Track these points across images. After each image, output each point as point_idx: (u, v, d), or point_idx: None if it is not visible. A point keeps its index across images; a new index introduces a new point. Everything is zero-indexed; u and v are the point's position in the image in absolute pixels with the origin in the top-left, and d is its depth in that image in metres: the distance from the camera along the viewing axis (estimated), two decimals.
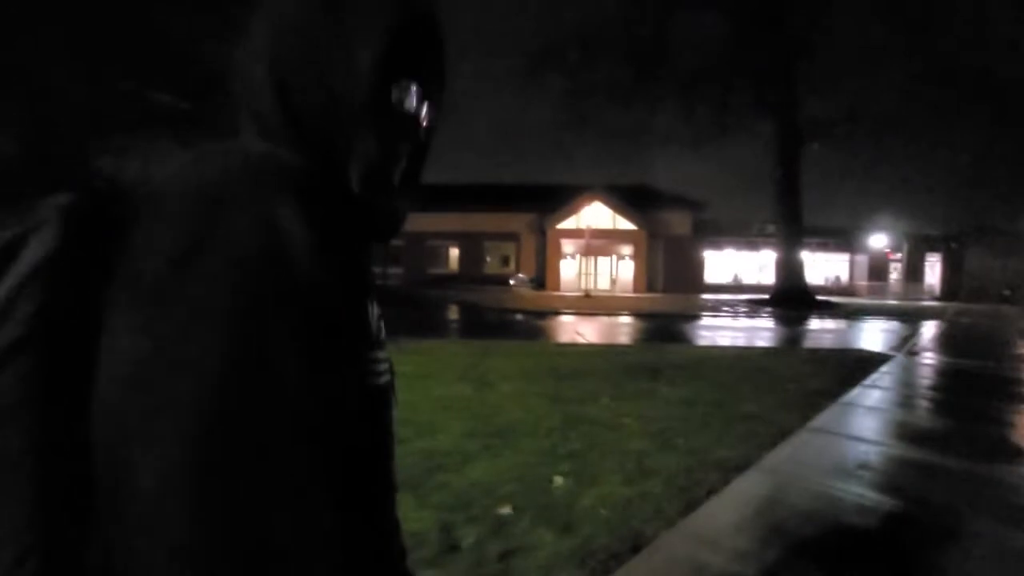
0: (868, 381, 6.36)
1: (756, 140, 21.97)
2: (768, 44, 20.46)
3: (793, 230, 21.43)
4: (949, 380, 6.73)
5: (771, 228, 33.78)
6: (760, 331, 13.00)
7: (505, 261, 33.49)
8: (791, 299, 20.71)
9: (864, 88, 20.11)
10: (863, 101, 20.10)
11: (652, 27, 21.23)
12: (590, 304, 19.35)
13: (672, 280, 30.91)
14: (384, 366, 0.54)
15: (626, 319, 15.86)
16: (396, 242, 34.09)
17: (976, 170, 24.31)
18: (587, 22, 21.81)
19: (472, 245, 32.95)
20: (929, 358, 8.61)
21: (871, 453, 3.73)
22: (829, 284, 33.21)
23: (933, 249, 33.16)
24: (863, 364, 7.48)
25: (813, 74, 20.52)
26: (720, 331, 12.81)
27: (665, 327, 13.55)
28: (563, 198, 29.61)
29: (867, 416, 4.81)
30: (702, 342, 10.55)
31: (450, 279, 32.14)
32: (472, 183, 34.11)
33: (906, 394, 5.82)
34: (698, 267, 31.79)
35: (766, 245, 31.09)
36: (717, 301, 22.89)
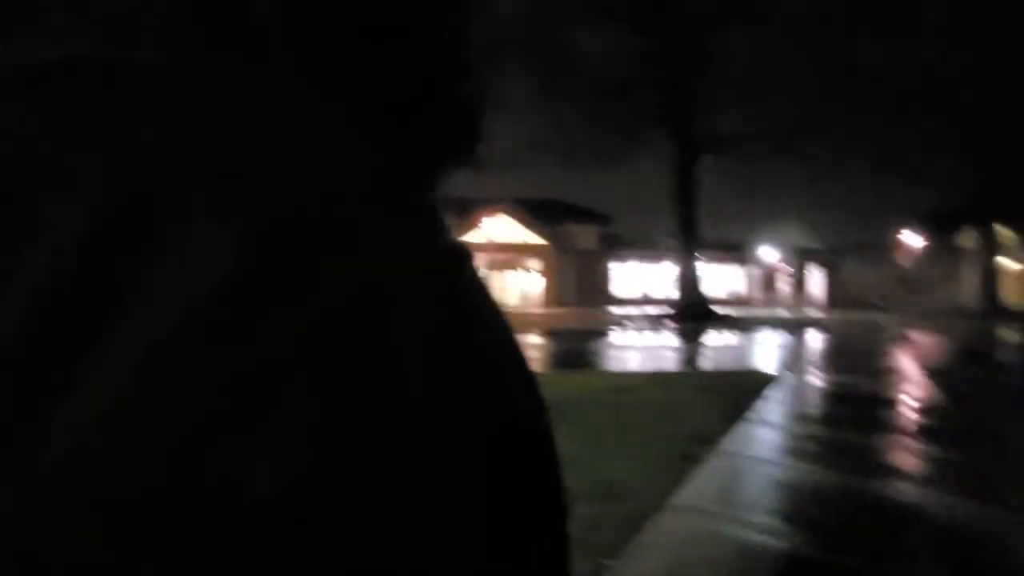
0: (754, 414, 5.54)
1: (661, 154, 22.12)
2: (667, 59, 20.68)
3: (690, 243, 21.66)
4: (835, 407, 6.12)
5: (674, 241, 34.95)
6: (655, 350, 12.41)
7: None
8: (691, 313, 20.79)
9: (756, 107, 20.82)
10: (755, 120, 20.80)
11: (554, 37, 20.79)
12: None
13: (581, 294, 30.68)
14: None
15: (531, 340, 14.80)
16: None
17: (851, 190, 26.15)
18: (487, 27, 20.86)
19: None
20: (815, 377, 8.18)
21: (748, 544, 2.68)
22: (727, 296, 34.63)
23: (817, 262, 35.62)
24: (750, 390, 6.76)
25: (709, 90, 20.96)
26: (614, 351, 12.07)
27: (555, 349, 12.62)
28: (469, 211, 28.51)
29: (750, 472, 3.85)
30: (588, 367, 9.62)
31: None
32: None
33: (793, 431, 5.03)
34: (605, 281, 31.87)
35: (671, 258, 31.89)
36: (621, 316, 22.64)
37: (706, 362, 10.31)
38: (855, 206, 28.03)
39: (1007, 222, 29.40)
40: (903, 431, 5.11)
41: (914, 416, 5.77)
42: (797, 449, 4.42)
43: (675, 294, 23.60)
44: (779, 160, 22.78)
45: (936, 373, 8.48)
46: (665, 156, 22.00)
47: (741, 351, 12.22)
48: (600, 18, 20.47)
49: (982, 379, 7.95)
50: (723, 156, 21.65)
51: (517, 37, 21.38)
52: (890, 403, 6.37)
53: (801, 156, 22.25)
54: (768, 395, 6.53)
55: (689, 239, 21.60)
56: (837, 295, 34.53)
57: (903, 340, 14.77)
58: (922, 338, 15.49)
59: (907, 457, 4.30)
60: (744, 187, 29.58)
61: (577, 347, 12.87)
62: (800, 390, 7.07)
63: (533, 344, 13.25)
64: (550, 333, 15.92)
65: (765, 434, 4.82)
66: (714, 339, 15.28)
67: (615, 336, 15.34)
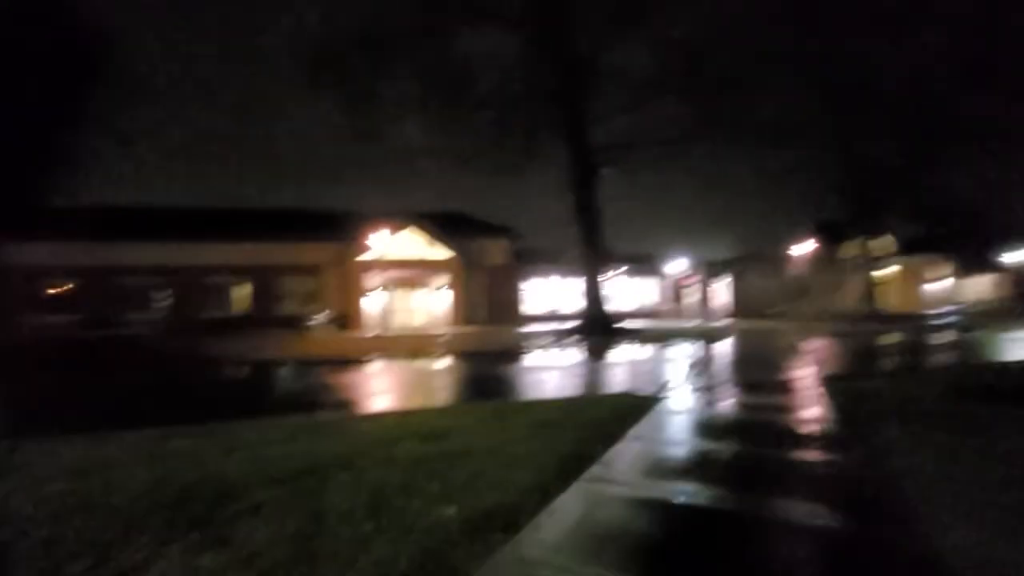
0: (596, 466, 4.30)
1: (562, 165, 21.42)
2: (554, 68, 20.12)
3: (592, 256, 21.04)
4: (710, 444, 5.05)
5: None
6: (534, 372, 11.23)
7: (308, 298, 29.11)
8: (594, 328, 20.06)
9: (646, 116, 20.67)
10: (644, 130, 20.63)
11: (438, 41, 19.65)
12: (369, 347, 16.40)
13: (492, 312, 29.43)
14: None
15: (384, 367, 13.16)
16: (150, 278, 27.75)
17: (747, 203, 26.90)
18: (369, 29, 19.37)
19: (263, 281, 28.03)
20: (699, 396, 7.23)
21: None
22: (637, 309, 34.73)
23: (721, 272, 36.71)
24: (610, 423, 5.60)
25: (599, 101, 20.61)
26: (485, 376, 10.74)
27: (416, 378, 11.12)
28: (369, 226, 26.53)
29: None
30: (433, 400, 8.21)
31: (235, 322, 26.72)
32: (264, 208, 29.38)
33: (635, 500, 3.80)
34: (517, 298, 30.86)
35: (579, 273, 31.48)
36: (525, 334, 21.53)
37: (581, 384, 9.21)
38: (754, 219, 29.00)
39: (879, 235, 31.80)
40: (785, 487, 4.06)
41: (799, 453, 4.79)
42: (627, 548, 3.14)
43: (583, 309, 22.87)
44: (670, 169, 22.89)
45: (827, 383, 7.86)
46: (564, 167, 21.36)
47: (630, 367, 11.32)
48: (487, 20, 19.60)
49: (873, 388, 7.37)
50: (617, 166, 21.32)
51: (405, 40, 20.13)
52: (772, 432, 5.40)
53: (689, 166, 22.45)
54: (631, 431, 5.39)
55: (591, 252, 20.98)
56: (741, 304, 35.71)
57: (794, 347, 14.65)
58: (812, 344, 15.53)
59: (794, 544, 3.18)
60: (653, 201, 29.64)
61: (448, 374, 11.45)
62: (673, 419, 6.02)
63: (398, 372, 11.66)
64: (433, 356, 14.42)
65: (590, 514, 3.54)
66: (609, 355, 14.42)
67: (502, 357, 14.07)
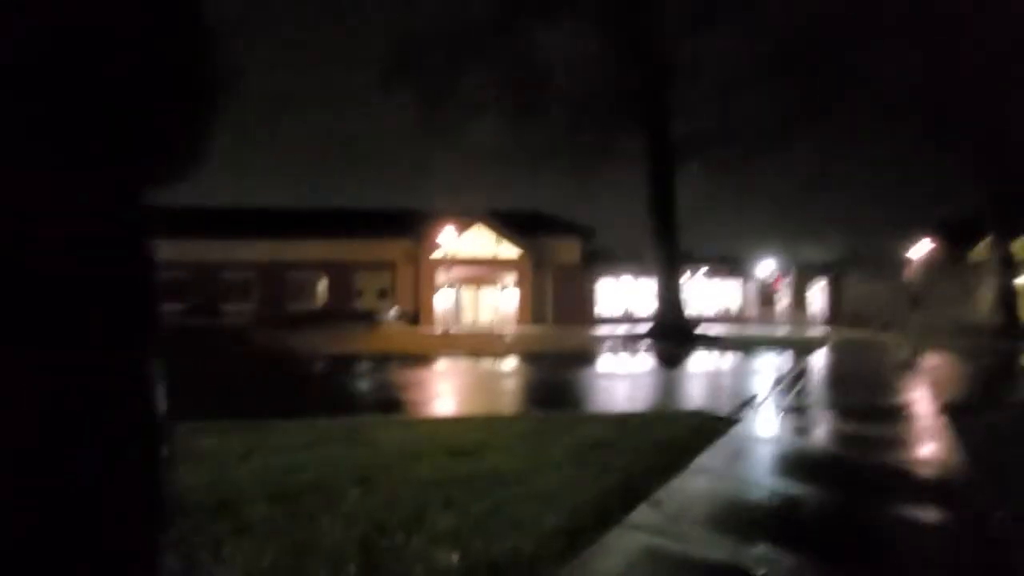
0: (638, 515, 3.50)
1: (640, 163, 20.25)
2: (636, 62, 18.98)
3: (669, 256, 19.67)
4: (795, 485, 4.07)
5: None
6: (600, 379, 10.38)
7: (383, 294, 29.90)
8: (669, 332, 18.72)
9: (735, 110, 18.97)
10: (734, 123, 18.93)
11: (518, 37, 19.15)
12: (437, 345, 16.25)
13: (561, 312, 28.63)
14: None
15: (447, 366, 12.81)
16: (244, 273, 29.67)
17: (851, 200, 24.06)
18: (447, 26, 19.25)
19: (341, 276, 29.12)
20: (783, 421, 6.13)
21: None
22: (720, 313, 32.42)
23: (818, 276, 33.42)
24: (672, 449, 4.72)
25: (683, 89, 19.20)
26: (551, 381, 10.04)
27: (487, 377, 10.62)
28: (439, 224, 26.73)
29: None
30: (484, 404, 7.64)
31: (314, 316, 27.96)
32: (342, 208, 30.51)
33: (691, 562, 2.99)
34: (588, 298, 29.84)
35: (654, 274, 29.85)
36: (594, 337, 20.57)
37: (646, 396, 8.27)
38: (861, 217, 25.98)
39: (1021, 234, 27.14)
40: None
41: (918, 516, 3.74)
42: None
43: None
44: (763, 163, 20.88)
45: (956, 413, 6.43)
46: (641, 163, 20.15)
47: (705, 379, 10.17)
48: (565, 17, 18.84)
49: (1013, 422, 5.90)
50: (700, 160, 19.75)
51: (482, 37, 19.86)
52: (880, 477, 4.32)
53: (786, 159, 20.34)
54: (696, 460, 4.50)
55: (667, 252, 19.61)
56: (840, 312, 32.24)
57: (908, 365, 12.63)
58: (931, 362, 13.34)
59: None
60: (741, 199, 27.56)
61: (505, 377, 10.88)
62: (751, 449, 5.04)
63: (455, 372, 11.25)
64: (498, 356, 13.94)
65: None
66: (682, 364, 13.22)
67: (565, 361, 13.31)
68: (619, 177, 27.71)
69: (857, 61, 17.45)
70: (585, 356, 14.67)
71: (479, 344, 16.57)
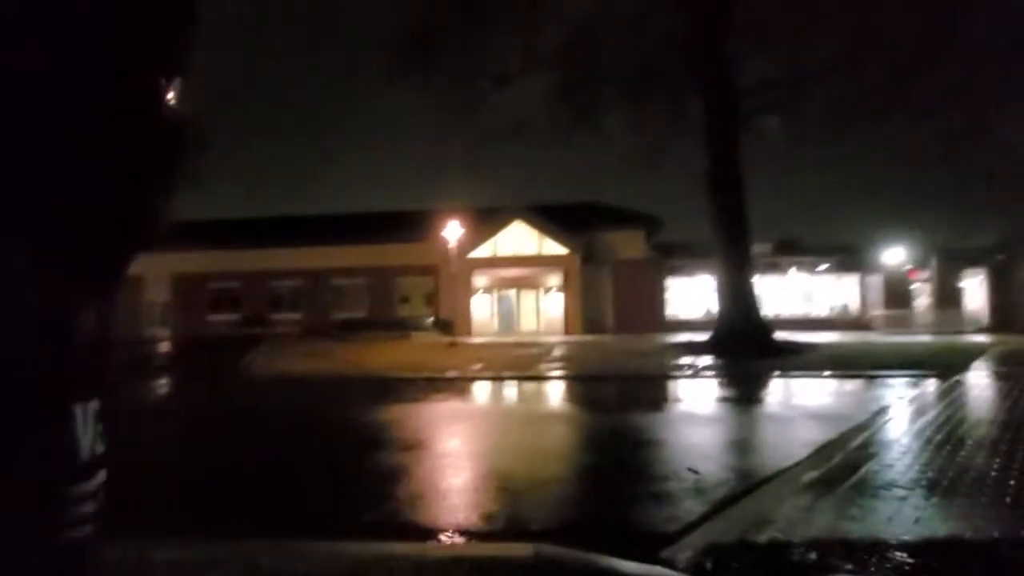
0: None
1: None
2: (680, 7, 14.68)
3: (735, 244, 14.96)
4: None
5: (758, 249, 27.00)
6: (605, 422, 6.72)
7: (429, 300, 27.81)
8: (738, 341, 14.07)
9: (810, 41, 13.88)
10: (810, 57, 13.83)
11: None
12: (459, 361, 13.25)
13: (624, 316, 24.27)
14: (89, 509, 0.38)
15: (455, 398, 9.75)
16: (290, 281, 29.13)
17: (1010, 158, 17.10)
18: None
19: (382, 282, 27.47)
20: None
21: None
22: (834, 315, 25.86)
23: (972, 265, 25.43)
24: None
25: (742, 34, 14.47)
26: (549, 431, 6.64)
27: (468, 422, 7.47)
28: (475, 222, 23.91)
29: None
30: (455, 484, 4.42)
31: (357, 324, 26.54)
32: (384, 210, 28.90)
33: None
34: (657, 299, 25.13)
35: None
36: (651, 347, 16.33)
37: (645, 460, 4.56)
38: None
39: None
40: None
41: None
42: None
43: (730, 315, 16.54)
44: (872, 123, 15.22)
45: None
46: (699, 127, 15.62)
47: (754, 425, 6.13)
48: None
49: None
50: (777, 112, 14.81)
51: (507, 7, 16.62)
52: None
53: (908, 111, 14.63)
54: None
55: (732, 238, 14.92)
56: (1008, 311, 24.05)
57: None
58: None
59: None
60: (857, 176, 21.45)
61: (506, 421, 7.61)
62: None
63: (468, 410, 8.16)
64: (522, 377, 10.74)
65: None
66: (738, 393, 9.00)
67: (602, 389, 9.69)
68: (690, 157, 22.68)
69: None
70: (634, 378, 10.90)
71: (504, 360, 13.44)
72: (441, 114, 18.14)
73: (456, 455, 5.73)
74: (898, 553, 2.76)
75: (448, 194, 30.68)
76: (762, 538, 2.97)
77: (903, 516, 3.24)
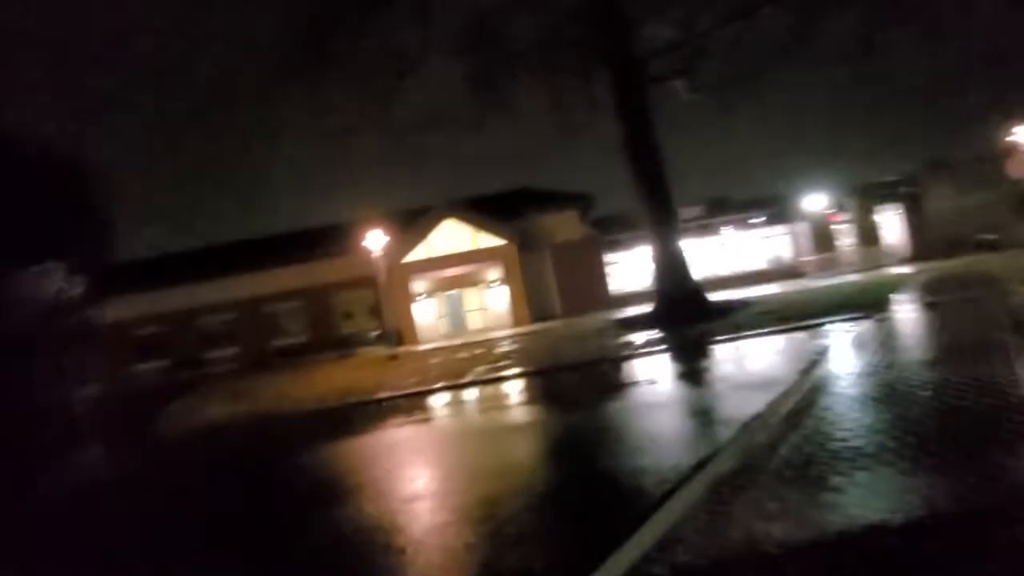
0: None
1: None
2: None
3: (659, 211, 14.92)
4: None
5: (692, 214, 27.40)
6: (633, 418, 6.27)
7: (373, 312, 26.79)
8: (676, 310, 14.03)
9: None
10: (707, 12, 13.86)
11: None
12: (400, 375, 12.58)
13: (569, 299, 24.15)
14: None
15: (388, 425, 9.08)
16: (221, 315, 27.51)
17: (908, 93, 17.69)
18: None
19: (320, 301, 26.28)
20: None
21: None
22: (771, 267, 26.62)
23: (885, 201, 26.75)
24: None
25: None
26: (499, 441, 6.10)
27: (428, 443, 6.82)
28: (404, 225, 23.15)
29: None
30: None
31: (299, 349, 25.31)
32: (312, 227, 27.66)
33: None
34: (598, 277, 25.15)
35: (686, 234, 24.54)
36: (598, 327, 16.15)
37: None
38: (934, 111, 19.44)
39: None
40: None
41: None
42: None
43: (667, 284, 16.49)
44: (775, 76, 15.48)
45: None
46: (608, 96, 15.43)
47: (666, 410, 5.87)
48: None
49: None
50: (683, 80, 14.83)
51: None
52: None
53: (809, 58, 14.91)
54: None
55: (654, 205, 14.87)
56: (924, 240, 25.47)
57: None
58: None
59: None
60: (768, 128, 21.88)
61: (464, 433, 7.00)
62: None
63: (406, 436, 7.47)
64: (473, 381, 10.20)
65: None
66: (680, 364, 8.82)
67: (546, 382, 9.25)
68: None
69: None
70: (580, 367, 10.56)
71: (454, 364, 12.86)
72: (351, 115, 17.12)
73: (352, 519, 4.37)
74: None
75: (374, 199, 29.52)
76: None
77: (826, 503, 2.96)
